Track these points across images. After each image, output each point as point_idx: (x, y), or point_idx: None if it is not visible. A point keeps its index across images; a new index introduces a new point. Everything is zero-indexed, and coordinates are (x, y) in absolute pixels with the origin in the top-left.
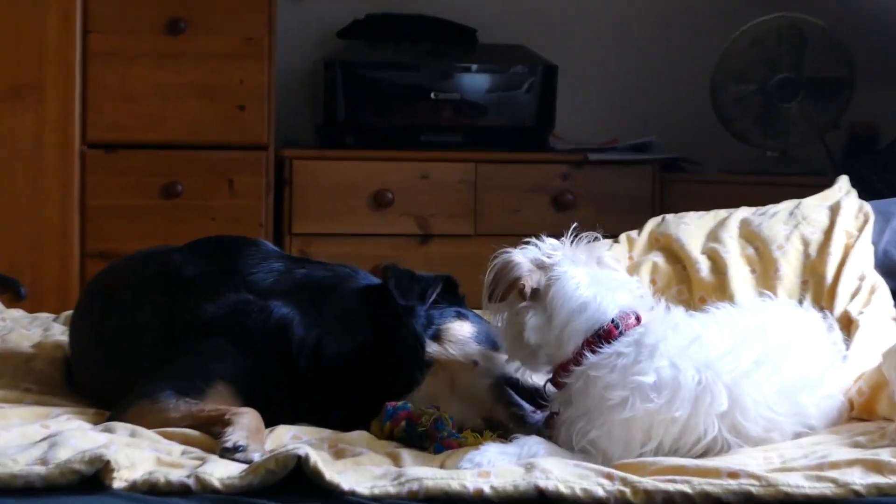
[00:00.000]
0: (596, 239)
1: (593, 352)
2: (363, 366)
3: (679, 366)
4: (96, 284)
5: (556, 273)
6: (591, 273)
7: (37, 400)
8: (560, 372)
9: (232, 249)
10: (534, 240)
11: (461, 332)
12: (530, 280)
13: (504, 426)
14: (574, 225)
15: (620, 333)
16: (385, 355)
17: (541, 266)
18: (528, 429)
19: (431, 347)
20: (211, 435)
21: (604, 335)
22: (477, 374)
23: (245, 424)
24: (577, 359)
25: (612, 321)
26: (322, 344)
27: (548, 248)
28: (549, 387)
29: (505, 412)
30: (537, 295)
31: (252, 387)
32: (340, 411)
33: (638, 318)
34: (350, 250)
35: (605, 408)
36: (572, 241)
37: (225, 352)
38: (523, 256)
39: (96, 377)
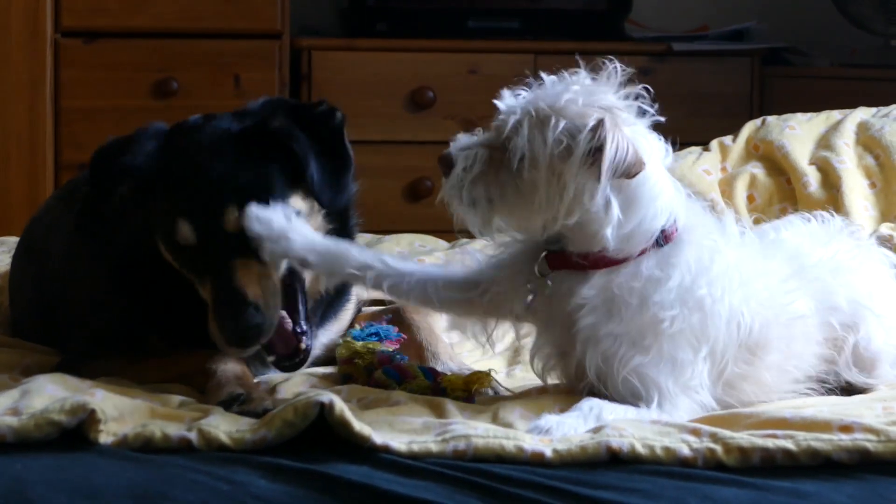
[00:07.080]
0: None
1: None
2: None
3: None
4: (29, 228)
5: (646, 154)
6: None
7: (5, 343)
8: (596, 262)
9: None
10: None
11: None
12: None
13: None
14: None
15: (679, 239)
16: None
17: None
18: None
19: None
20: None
21: (664, 238)
22: None
23: (229, 370)
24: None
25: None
26: None
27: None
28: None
29: None
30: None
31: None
32: None
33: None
34: (382, 161)
35: (657, 331)
36: None
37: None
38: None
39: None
